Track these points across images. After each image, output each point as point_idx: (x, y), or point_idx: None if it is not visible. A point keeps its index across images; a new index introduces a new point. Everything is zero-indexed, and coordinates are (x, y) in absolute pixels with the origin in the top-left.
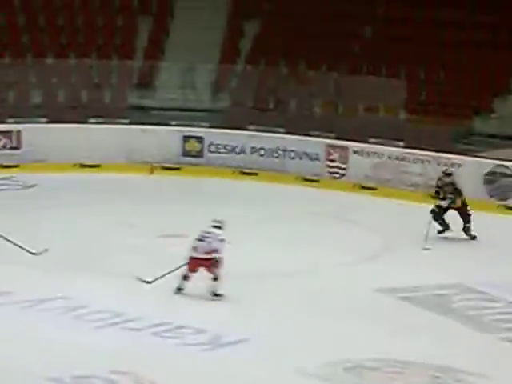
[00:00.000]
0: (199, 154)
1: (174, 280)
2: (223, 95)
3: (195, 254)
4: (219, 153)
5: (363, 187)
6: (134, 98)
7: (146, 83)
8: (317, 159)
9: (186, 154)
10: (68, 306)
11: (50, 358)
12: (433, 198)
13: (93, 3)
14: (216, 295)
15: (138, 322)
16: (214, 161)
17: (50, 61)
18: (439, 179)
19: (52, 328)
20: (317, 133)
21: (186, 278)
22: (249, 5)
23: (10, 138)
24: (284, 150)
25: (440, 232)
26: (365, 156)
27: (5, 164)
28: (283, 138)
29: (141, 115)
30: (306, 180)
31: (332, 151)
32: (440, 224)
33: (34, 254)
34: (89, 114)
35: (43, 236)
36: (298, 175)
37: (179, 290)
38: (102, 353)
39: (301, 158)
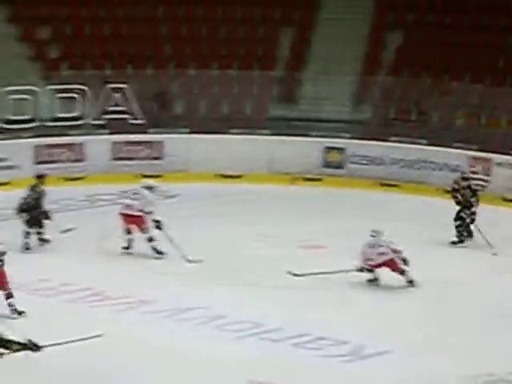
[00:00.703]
0: (340, 165)
1: (314, 290)
2: (365, 106)
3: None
4: (360, 164)
5: (506, 200)
6: (274, 109)
7: (287, 94)
8: (458, 171)
9: (327, 164)
10: (208, 316)
11: (188, 366)
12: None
13: (235, 14)
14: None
15: (277, 332)
16: (355, 172)
17: (192, 71)
18: (456, 182)
19: (192, 337)
20: (459, 144)
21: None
22: (392, 16)
23: (153, 149)
24: (425, 162)
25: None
26: (508, 168)
27: (147, 174)
28: (424, 150)
29: (282, 126)
30: (448, 192)
31: (474, 163)
32: (462, 233)
33: (189, 261)
34: (230, 124)
35: (184, 246)
36: (439, 187)
37: (371, 281)
38: (241, 362)
39: (441, 170)
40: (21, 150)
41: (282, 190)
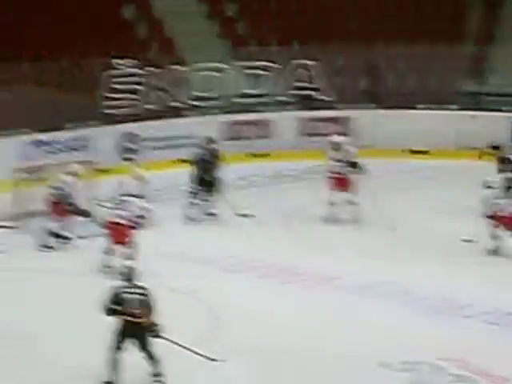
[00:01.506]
0: None
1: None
2: None
3: None
4: None
5: None
6: (463, 84)
7: (476, 69)
8: None
9: None
10: (395, 292)
11: (380, 343)
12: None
13: None
14: None
15: (468, 308)
16: None
17: (378, 47)
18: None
19: (380, 313)
20: None
21: None
22: None
23: (340, 125)
24: None
25: None
26: None
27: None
28: None
29: (470, 101)
30: None
31: None
32: None
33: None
34: (418, 99)
35: (387, 216)
36: None
37: None
38: (429, 339)
39: None
40: (208, 126)
41: (470, 165)
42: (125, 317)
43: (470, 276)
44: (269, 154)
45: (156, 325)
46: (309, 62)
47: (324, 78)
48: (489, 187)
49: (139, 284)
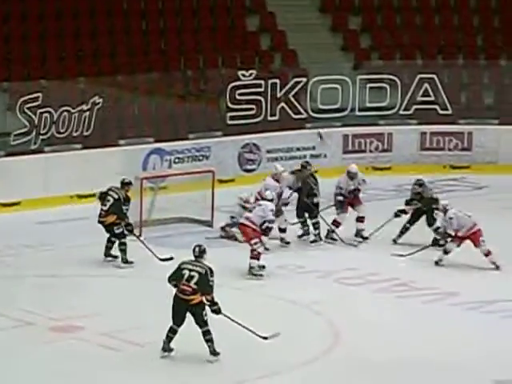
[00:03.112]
0: None
1: None
2: None
3: None
4: None
5: None
6: None
7: None
8: None
9: None
10: None
11: (497, 360)
12: None
13: None
14: None
15: None
16: None
17: (502, 62)
18: None
19: (498, 330)
20: None
21: None
22: None
23: (462, 140)
24: None
25: None
26: None
27: (455, 165)
28: None
29: None
30: None
31: None
32: None
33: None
34: None
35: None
36: None
37: None
38: None
39: None
40: (330, 138)
41: None
42: (178, 291)
43: None
44: (390, 168)
45: (210, 303)
46: (431, 76)
47: (447, 93)
48: None
49: (204, 262)
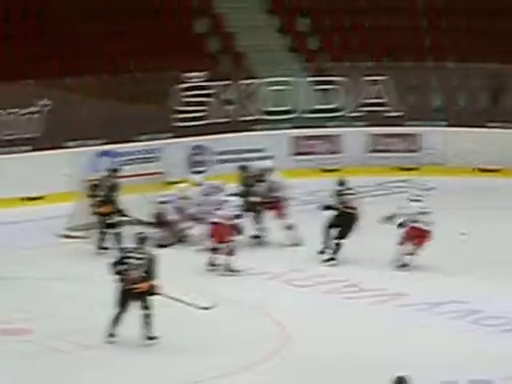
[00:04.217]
0: None
1: None
2: None
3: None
4: None
5: None
6: None
7: None
8: None
9: None
10: (463, 310)
11: (445, 360)
12: None
13: (493, 5)
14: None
15: None
16: None
17: (450, 64)
18: None
19: (448, 331)
20: None
21: None
22: None
23: (410, 141)
24: None
25: None
26: None
27: (404, 167)
28: None
29: None
30: None
31: None
32: None
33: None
34: (489, 117)
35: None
36: None
37: None
38: (498, 358)
39: None
40: (278, 140)
41: None
42: (123, 280)
43: None
44: (338, 170)
45: (154, 289)
46: (380, 78)
47: (395, 95)
48: None
49: (147, 250)
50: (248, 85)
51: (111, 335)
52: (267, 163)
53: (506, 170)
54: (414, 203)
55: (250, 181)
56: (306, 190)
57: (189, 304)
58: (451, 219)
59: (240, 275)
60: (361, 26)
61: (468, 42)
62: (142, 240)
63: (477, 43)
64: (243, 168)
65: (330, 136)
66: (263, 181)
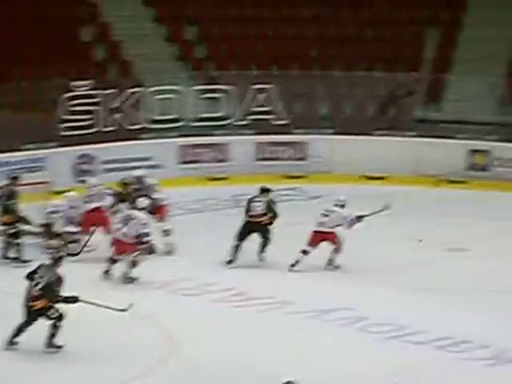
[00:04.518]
0: (485, 168)
1: (457, 293)
2: (511, 108)
3: (320, 229)
4: (506, 167)
5: None
6: (420, 111)
7: (433, 96)
8: None
9: (471, 167)
10: (351, 317)
11: (328, 365)
12: None
13: (380, 15)
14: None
15: (421, 335)
16: (502, 175)
17: (337, 73)
18: None
19: (335, 339)
20: None
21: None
22: None
23: (297, 149)
24: None
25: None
26: None
27: (291, 174)
28: None
29: (427, 128)
30: None
31: None
32: None
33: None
34: (375, 126)
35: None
36: None
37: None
38: (382, 365)
39: None
40: (165, 149)
41: (427, 193)
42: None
43: (424, 303)
44: (225, 178)
45: (52, 309)
46: (267, 86)
47: (282, 103)
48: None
49: (55, 271)
50: (135, 93)
51: (12, 343)
52: (138, 171)
53: (392, 177)
54: (336, 208)
55: (132, 191)
56: (192, 199)
57: (107, 307)
58: None
59: (133, 284)
60: (248, 35)
61: (354, 50)
62: (56, 260)
63: (363, 52)
64: (124, 182)
65: (218, 144)
66: (141, 188)
